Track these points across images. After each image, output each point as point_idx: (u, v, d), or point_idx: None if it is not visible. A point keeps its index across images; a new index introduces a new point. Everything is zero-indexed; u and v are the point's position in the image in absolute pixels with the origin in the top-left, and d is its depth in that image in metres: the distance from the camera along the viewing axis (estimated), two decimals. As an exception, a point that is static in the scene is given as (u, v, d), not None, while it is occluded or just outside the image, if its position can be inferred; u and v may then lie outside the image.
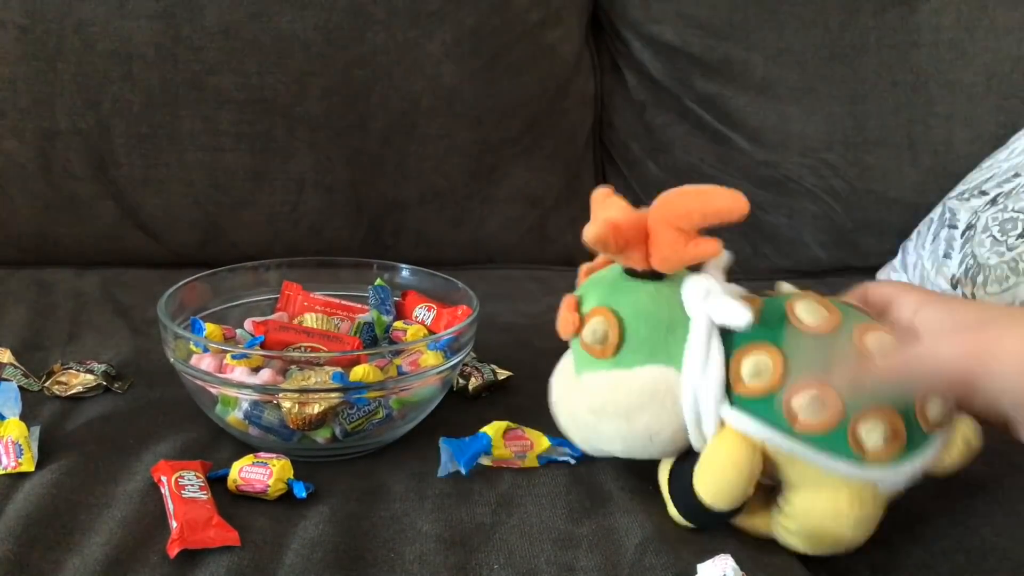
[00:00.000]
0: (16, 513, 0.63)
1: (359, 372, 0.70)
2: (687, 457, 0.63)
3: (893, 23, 1.26)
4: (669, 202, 0.61)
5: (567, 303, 0.65)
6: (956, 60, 1.26)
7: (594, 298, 0.65)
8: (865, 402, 0.59)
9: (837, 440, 0.59)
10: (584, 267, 0.70)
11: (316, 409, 0.69)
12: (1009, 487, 0.73)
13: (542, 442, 0.72)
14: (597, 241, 0.61)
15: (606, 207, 0.65)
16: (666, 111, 1.31)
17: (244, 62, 1.13)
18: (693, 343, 0.61)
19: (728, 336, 0.61)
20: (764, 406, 0.60)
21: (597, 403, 0.64)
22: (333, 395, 0.69)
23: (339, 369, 0.71)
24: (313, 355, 0.75)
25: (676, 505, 0.64)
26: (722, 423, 0.61)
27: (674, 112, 1.31)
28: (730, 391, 0.61)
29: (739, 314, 0.60)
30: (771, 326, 0.62)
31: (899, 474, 0.61)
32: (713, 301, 0.61)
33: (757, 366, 0.60)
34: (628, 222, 0.62)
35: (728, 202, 0.58)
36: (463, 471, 0.69)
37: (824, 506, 0.61)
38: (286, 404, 0.69)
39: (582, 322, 0.64)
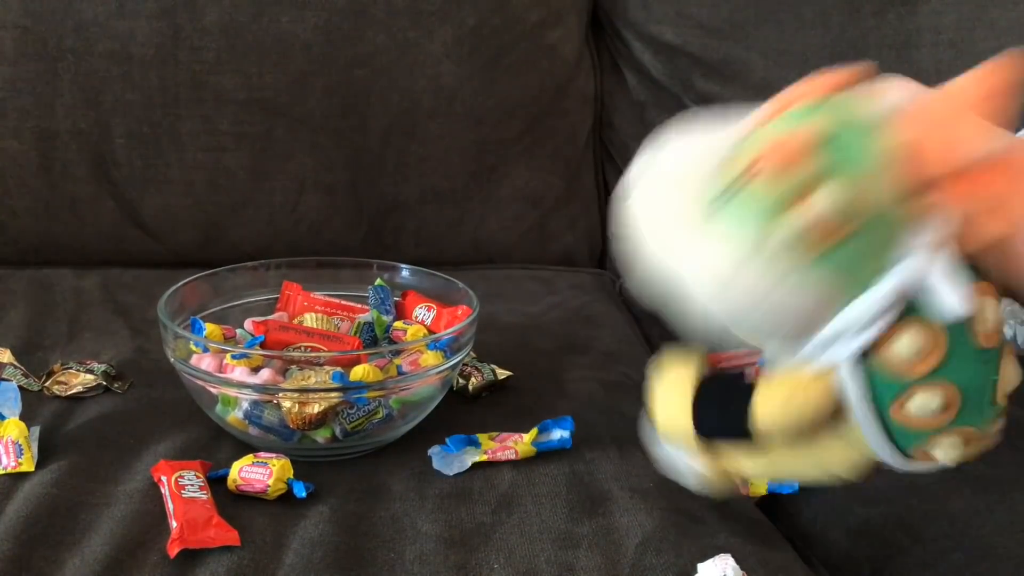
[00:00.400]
0: (16, 513, 0.63)
1: (359, 372, 0.70)
2: (734, 381, 0.56)
3: (893, 23, 1.26)
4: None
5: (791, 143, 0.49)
6: (956, 60, 1.26)
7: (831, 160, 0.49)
8: (974, 421, 0.53)
9: (911, 437, 0.54)
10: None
11: (316, 409, 0.69)
12: (1009, 487, 0.73)
13: (533, 433, 0.73)
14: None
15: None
16: (666, 111, 1.31)
17: (244, 62, 1.13)
18: (883, 289, 0.49)
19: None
20: (888, 383, 0.52)
21: (751, 274, 0.48)
22: (333, 395, 0.69)
23: (339, 369, 0.71)
24: (313, 355, 0.75)
25: (703, 420, 0.56)
26: (830, 365, 0.52)
27: (674, 112, 1.31)
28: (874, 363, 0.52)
29: (955, 299, 0.49)
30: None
31: None
32: (941, 265, 0.50)
33: (916, 346, 0.51)
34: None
35: None
36: (453, 450, 0.71)
37: (830, 459, 0.57)
38: (286, 404, 0.69)
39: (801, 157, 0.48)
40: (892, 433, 0.53)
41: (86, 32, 1.10)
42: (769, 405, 0.54)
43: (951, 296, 0.49)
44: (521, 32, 1.22)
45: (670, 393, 0.58)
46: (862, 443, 0.55)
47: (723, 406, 0.56)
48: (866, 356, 0.51)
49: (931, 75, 1.25)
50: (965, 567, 0.66)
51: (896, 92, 0.54)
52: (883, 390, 0.52)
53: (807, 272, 0.48)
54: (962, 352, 0.51)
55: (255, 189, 1.17)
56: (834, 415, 0.54)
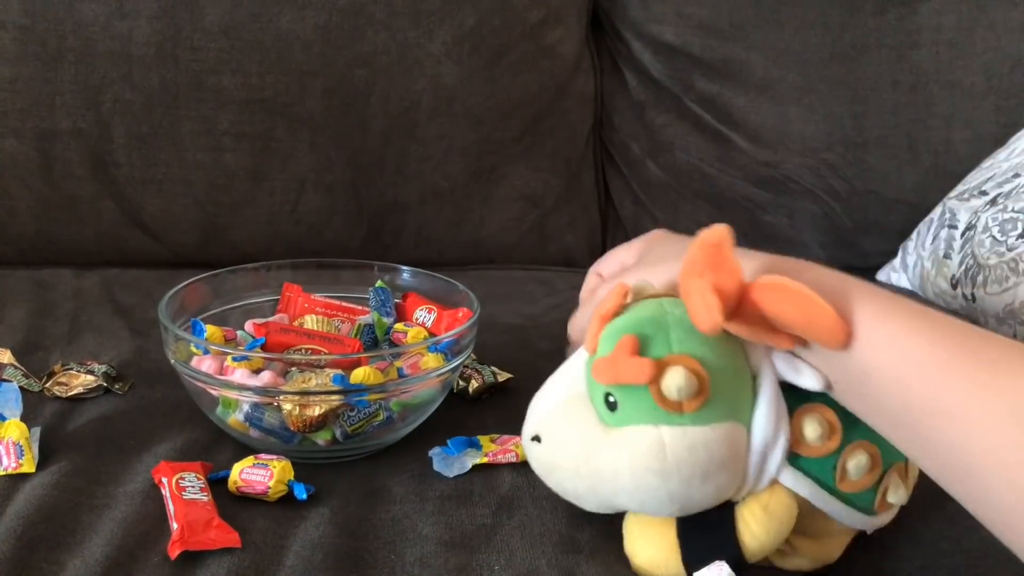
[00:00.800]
0: (17, 514, 0.63)
1: (360, 374, 0.70)
2: (710, 513, 0.58)
3: (893, 23, 1.26)
4: (774, 297, 0.53)
5: (627, 346, 0.55)
6: (956, 60, 1.26)
7: (666, 342, 0.56)
8: (896, 459, 0.61)
9: (868, 497, 0.61)
10: (613, 300, 0.59)
11: (317, 411, 0.69)
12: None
13: None
14: (714, 328, 0.53)
15: (718, 267, 0.53)
16: (666, 111, 1.31)
17: (244, 62, 1.13)
18: (766, 400, 0.57)
19: (786, 393, 0.58)
20: (821, 466, 0.59)
21: (668, 465, 0.55)
22: (334, 397, 0.69)
23: (340, 371, 0.71)
24: (314, 357, 0.75)
25: (690, 559, 0.59)
26: (772, 482, 0.58)
27: (674, 112, 1.31)
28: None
29: (812, 376, 0.56)
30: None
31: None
32: (780, 357, 0.57)
33: (820, 428, 0.58)
34: (736, 296, 0.53)
35: (829, 333, 0.52)
36: (453, 452, 0.71)
37: (832, 551, 0.63)
38: (287, 406, 0.69)
39: (657, 371, 0.54)
40: (852, 503, 0.60)
41: (86, 32, 1.10)
42: (755, 534, 0.58)
43: (808, 378, 0.56)
44: (521, 32, 1.22)
45: (650, 531, 0.61)
46: (834, 526, 0.61)
47: (707, 541, 0.59)
48: (795, 459, 0.58)
49: (931, 75, 1.26)
50: (965, 569, 0.66)
51: (660, 275, 0.63)
52: (823, 474, 0.59)
53: (705, 432, 0.55)
54: (850, 414, 0.57)
55: (255, 189, 1.17)
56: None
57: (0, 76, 1.10)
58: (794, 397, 0.58)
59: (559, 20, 1.26)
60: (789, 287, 0.52)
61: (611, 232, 1.36)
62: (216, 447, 0.74)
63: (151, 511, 0.64)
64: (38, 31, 1.09)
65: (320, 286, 0.88)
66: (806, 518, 0.60)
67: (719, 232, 0.54)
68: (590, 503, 0.60)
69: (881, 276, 1.27)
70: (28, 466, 0.68)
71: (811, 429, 0.58)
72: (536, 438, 0.60)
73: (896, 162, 1.27)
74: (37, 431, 0.72)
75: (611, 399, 0.57)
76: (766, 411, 0.56)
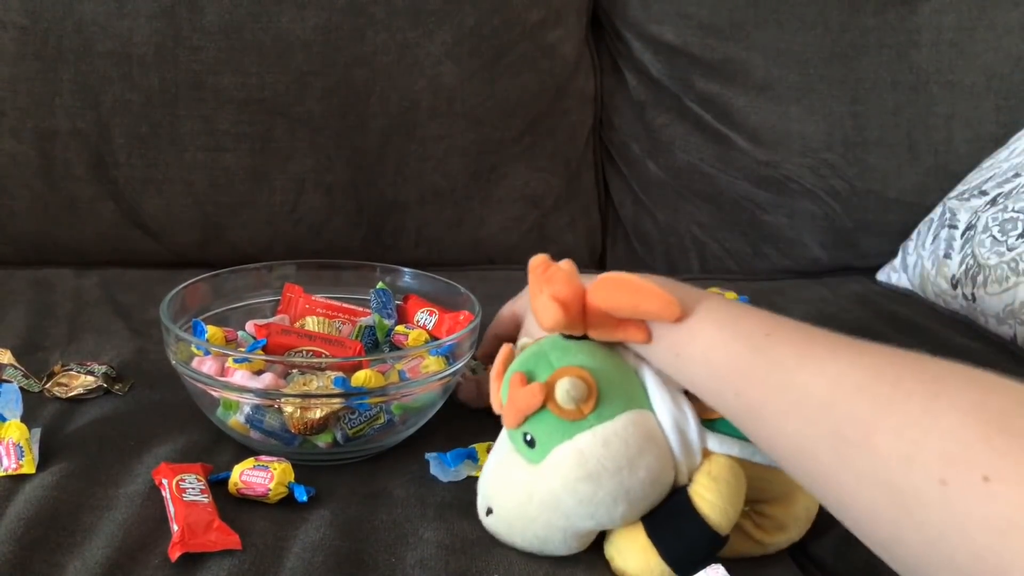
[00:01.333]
0: (17, 515, 0.63)
1: (361, 377, 0.70)
2: (667, 503, 0.61)
3: (893, 23, 1.26)
4: (606, 292, 0.59)
5: (516, 381, 0.61)
6: (956, 60, 1.26)
7: (547, 364, 0.61)
8: None
9: None
10: (504, 352, 0.65)
11: (318, 414, 0.69)
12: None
13: None
14: (557, 326, 0.59)
15: (550, 280, 0.60)
16: (666, 111, 1.31)
17: (244, 62, 1.13)
18: (654, 384, 0.61)
19: None
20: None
21: (592, 467, 0.58)
22: (335, 400, 0.69)
23: (341, 374, 0.71)
24: (315, 360, 0.75)
25: (668, 554, 0.60)
26: (705, 452, 0.61)
27: (674, 112, 1.31)
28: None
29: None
30: None
31: None
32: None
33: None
34: (575, 300, 0.59)
35: (659, 308, 0.57)
36: (451, 465, 0.71)
37: (809, 505, 0.65)
38: (288, 409, 0.69)
39: (547, 389, 0.59)
40: None
41: (86, 32, 1.10)
42: (712, 503, 0.59)
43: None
44: (521, 32, 1.22)
45: (623, 544, 0.62)
46: (798, 491, 0.64)
47: (674, 528, 0.60)
48: (711, 423, 0.61)
49: (931, 75, 1.26)
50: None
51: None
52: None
53: (613, 425, 0.59)
54: None
55: (255, 189, 1.17)
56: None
57: (0, 76, 1.10)
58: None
59: (559, 20, 1.26)
60: (615, 278, 0.58)
61: (611, 232, 1.36)
62: (216, 449, 0.74)
63: (151, 513, 0.64)
64: (38, 31, 1.09)
65: (321, 287, 0.88)
66: (757, 481, 0.61)
67: (537, 257, 0.62)
68: (558, 542, 0.62)
69: (881, 276, 1.27)
70: (28, 467, 0.68)
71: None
72: (490, 511, 0.63)
73: (896, 162, 1.27)
74: (37, 432, 0.72)
75: (527, 437, 0.60)
76: (659, 393, 0.60)
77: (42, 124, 1.12)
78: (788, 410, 0.51)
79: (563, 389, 0.58)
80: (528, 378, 0.61)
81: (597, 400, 0.59)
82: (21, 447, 0.69)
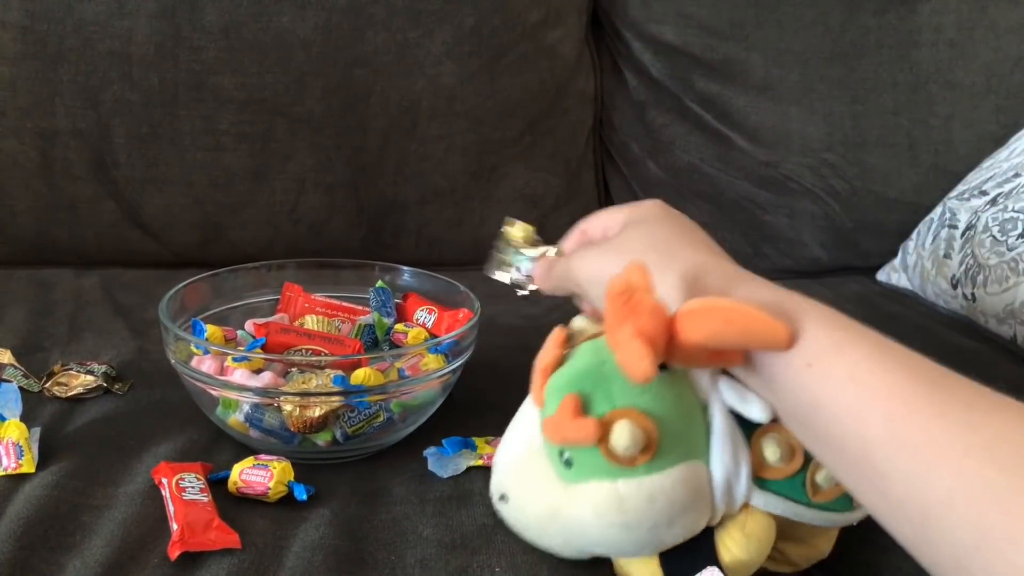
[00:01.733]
0: (16, 515, 0.63)
1: (360, 376, 0.70)
2: (690, 541, 0.58)
3: (893, 23, 1.26)
4: (700, 322, 0.51)
5: (569, 408, 0.54)
6: (956, 60, 1.26)
7: (608, 397, 0.55)
8: None
9: (844, 501, 0.59)
10: (551, 351, 0.59)
11: (317, 412, 0.69)
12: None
13: None
14: (649, 378, 0.49)
15: (635, 311, 0.51)
16: (666, 111, 1.31)
17: (244, 62, 1.13)
18: (720, 433, 0.56)
19: (740, 418, 0.57)
20: (790, 485, 0.58)
21: (631, 518, 0.54)
22: (334, 398, 0.69)
23: (340, 372, 0.71)
24: (314, 358, 0.75)
25: None
26: (745, 504, 0.58)
27: (674, 112, 1.31)
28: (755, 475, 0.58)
29: (757, 406, 0.55)
30: None
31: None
32: (726, 386, 0.56)
33: (780, 449, 0.57)
34: (663, 335, 0.51)
35: (768, 338, 0.50)
36: (448, 452, 0.71)
37: (823, 549, 0.63)
38: (287, 407, 0.69)
39: (603, 428, 0.53)
40: (831, 509, 0.59)
41: (86, 32, 1.10)
42: (736, 556, 0.57)
43: (755, 407, 0.55)
44: (521, 32, 1.22)
45: (633, 562, 0.60)
46: (820, 535, 0.62)
47: (689, 566, 0.58)
48: (762, 482, 0.57)
49: (931, 75, 1.26)
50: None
51: (612, 264, 0.60)
52: (794, 492, 0.58)
53: (662, 479, 0.54)
54: None
55: (255, 189, 1.17)
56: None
57: (0, 76, 1.10)
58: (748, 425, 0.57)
59: (559, 20, 1.26)
60: (711, 306, 0.51)
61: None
62: (216, 448, 0.74)
63: (151, 512, 0.64)
64: (38, 31, 1.09)
65: (320, 286, 0.88)
66: (788, 527, 0.59)
67: (622, 279, 0.52)
68: (569, 554, 0.60)
69: (881, 276, 1.27)
70: (28, 467, 0.68)
71: (771, 451, 0.57)
72: (503, 497, 0.61)
73: (896, 162, 1.27)
74: (37, 431, 0.72)
75: (566, 456, 0.56)
76: (721, 444, 0.56)
77: (42, 124, 1.12)
78: (961, 452, 0.42)
79: (621, 440, 0.53)
80: (583, 404, 0.55)
81: (654, 451, 0.54)
82: (21, 447, 0.69)
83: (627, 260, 0.54)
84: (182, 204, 1.16)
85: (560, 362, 0.59)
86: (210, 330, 0.78)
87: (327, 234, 1.20)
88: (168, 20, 1.11)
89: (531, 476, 0.59)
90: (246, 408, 0.71)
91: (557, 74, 1.27)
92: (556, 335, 0.59)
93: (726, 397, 0.56)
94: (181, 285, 0.80)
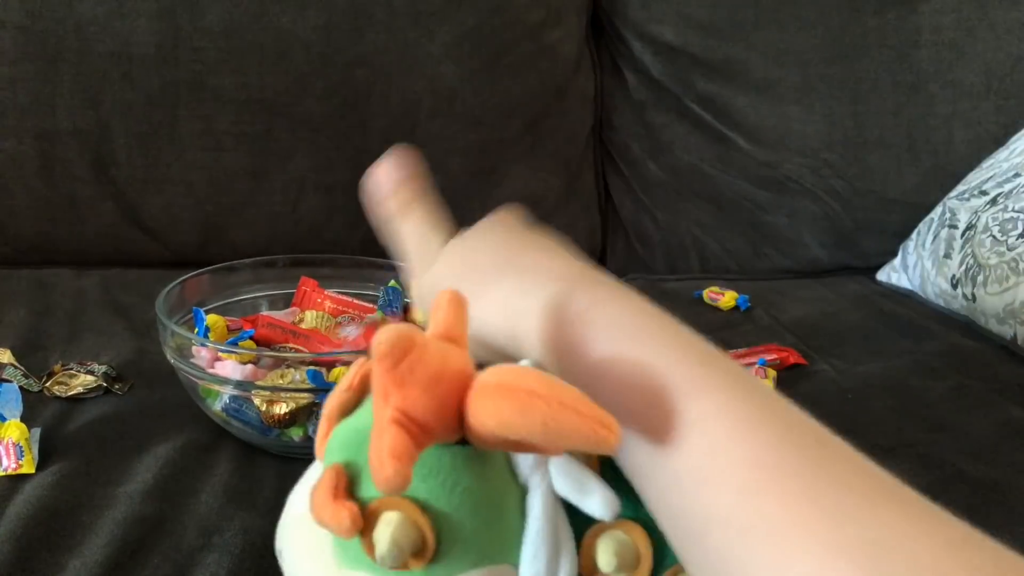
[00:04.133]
0: (16, 515, 0.63)
1: (337, 373, 0.70)
2: None
3: (893, 23, 1.26)
4: (496, 406, 0.38)
5: (328, 484, 0.39)
6: (956, 60, 1.26)
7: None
8: None
9: None
10: (338, 395, 0.43)
11: (284, 408, 0.69)
12: (1008, 488, 0.73)
13: None
14: (397, 488, 0.35)
15: (401, 383, 0.37)
16: (666, 111, 1.31)
17: (244, 62, 1.13)
18: (535, 529, 0.41)
19: (572, 508, 0.42)
20: None
21: None
22: (302, 395, 0.69)
23: (314, 368, 0.71)
24: (282, 355, 0.74)
25: None
26: None
27: (674, 112, 1.31)
28: None
29: (598, 497, 0.41)
30: (622, 488, 0.42)
31: None
32: (559, 469, 0.42)
33: (619, 553, 0.43)
34: (438, 419, 0.38)
35: (586, 439, 0.36)
36: None
37: None
38: (256, 400, 0.70)
39: (365, 519, 0.39)
40: None
41: (86, 32, 1.10)
42: None
43: (596, 501, 0.41)
44: (521, 32, 1.22)
45: None
46: None
47: None
48: None
49: (931, 75, 1.26)
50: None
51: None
52: None
53: None
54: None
55: (255, 189, 1.17)
56: None
57: (0, 76, 1.10)
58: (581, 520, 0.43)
59: (559, 20, 1.26)
60: (507, 386, 0.37)
61: (611, 232, 1.36)
62: (216, 448, 0.73)
63: (151, 512, 0.64)
64: (38, 31, 1.09)
65: (337, 282, 0.87)
66: None
67: (393, 334, 0.36)
68: None
69: (881, 276, 1.27)
70: (28, 467, 0.68)
71: (606, 557, 0.43)
72: (280, 553, 0.47)
73: (896, 162, 1.27)
74: (37, 431, 0.72)
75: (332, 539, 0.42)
76: (535, 545, 0.41)
77: (42, 124, 1.12)
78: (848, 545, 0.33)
79: (381, 542, 0.38)
80: (350, 481, 0.40)
81: (433, 553, 0.39)
82: (21, 447, 0.69)
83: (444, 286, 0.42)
84: (182, 204, 1.16)
85: (350, 407, 0.43)
86: (210, 319, 0.78)
87: (327, 234, 1.20)
88: (168, 20, 1.11)
89: (306, 543, 0.44)
90: (225, 399, 0.71)
91: (557, 74, 1.27)
92: (354, 369, 0.43)
93: (557, 483, 0.42)
94: (179, 280, 0.80)
